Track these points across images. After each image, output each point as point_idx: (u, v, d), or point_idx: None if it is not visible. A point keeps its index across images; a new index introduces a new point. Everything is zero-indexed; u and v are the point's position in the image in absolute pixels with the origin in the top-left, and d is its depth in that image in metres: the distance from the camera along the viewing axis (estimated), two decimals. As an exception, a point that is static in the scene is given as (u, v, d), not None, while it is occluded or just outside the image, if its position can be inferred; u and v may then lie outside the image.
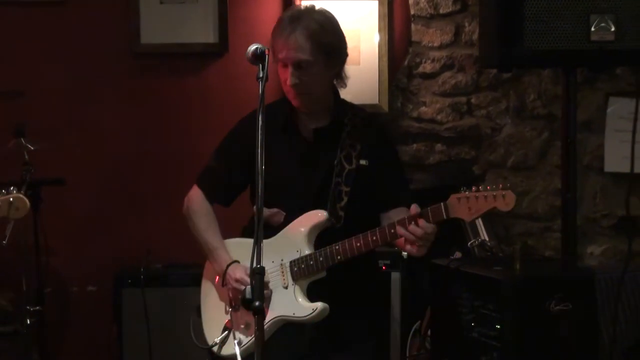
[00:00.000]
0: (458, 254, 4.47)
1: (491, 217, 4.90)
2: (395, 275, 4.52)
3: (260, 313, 2.67)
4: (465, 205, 3.10)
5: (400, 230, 3.19)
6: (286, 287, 3.31)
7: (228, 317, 3.39)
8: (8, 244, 3.15)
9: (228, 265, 3.39)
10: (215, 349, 3.37)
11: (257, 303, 2.65)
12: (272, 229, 3.40)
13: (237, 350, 3.19)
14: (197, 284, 3.78)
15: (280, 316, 3.31)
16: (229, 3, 4.95)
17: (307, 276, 3.30)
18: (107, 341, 4.73)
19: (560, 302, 3.38)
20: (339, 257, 3.25)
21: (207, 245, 3.49)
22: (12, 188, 3.06)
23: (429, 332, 4.23)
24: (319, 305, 3.25)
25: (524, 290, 3.75)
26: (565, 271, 3.74)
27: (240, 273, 3.34)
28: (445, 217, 3.15)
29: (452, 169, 5.09)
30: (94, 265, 4.90)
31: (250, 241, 3.31)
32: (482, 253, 4.47)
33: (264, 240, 3.29)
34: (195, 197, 3.55)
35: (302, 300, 3.28)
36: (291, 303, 3.29)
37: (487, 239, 4.58)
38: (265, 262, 3.25)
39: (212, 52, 4.97)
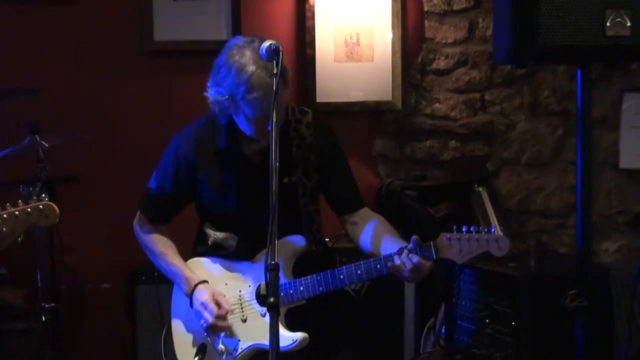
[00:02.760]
0: (472, 251, 4.46)
1: (505, 214, 4.89)
2: (409, 272, 4.50)
3: (275, 309, 2.66)
4: (457, 246, 3.03)
5: (391, 264, 3.09)
6: (264, 315, 3.23)
7: (202, 340, 3.32)
8: (23, 241, 3.15)
9: (195, 286, 3.33)
10: None
11: (271, 299, 2.65)
12: (227, 252, 3.37)
13: None
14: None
15: (257, 344, 3.23)
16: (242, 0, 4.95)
17: (285, 304, 3.20)
18: (121, 338, 4.74)
19: (575, 298, 3.36)
20: (320, 289, 3.16)
21: (170, 269, 3.43)
22: (43, 195, 3.04)
23: (443, 329, 4.22)
24: (299, 335, 3.16)
25: (539, 287, 3.74)
26: (580, 268, 3.73)
27: (205, 296, 3.27)
28: (434, 257, 3.07)
29: (466, 165, 5.07)
30: (108, 262, 4.91)
31: (211, 261, 3.36)
32: (496, 250, 4.45)
33: (241, 263, 3.34)
34: (143, 223, 3.52)
35: (281, 329, 3.15)
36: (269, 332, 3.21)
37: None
38: (242, 287, 3.28)
39: (225, 49, 4.97)
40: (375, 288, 4.50)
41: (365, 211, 3.40)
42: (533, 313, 3.72)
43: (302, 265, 3.27)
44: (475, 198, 4.80)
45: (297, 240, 3.24)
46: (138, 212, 3.56)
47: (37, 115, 4.52)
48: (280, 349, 3.09)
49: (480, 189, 4.81)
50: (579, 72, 3.23)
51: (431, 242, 3.06)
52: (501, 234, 3.00)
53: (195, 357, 3.30)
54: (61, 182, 4.42)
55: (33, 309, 4.47)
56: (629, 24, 3.08)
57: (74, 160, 4.72)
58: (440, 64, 5.06)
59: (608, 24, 3.07)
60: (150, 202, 3.49)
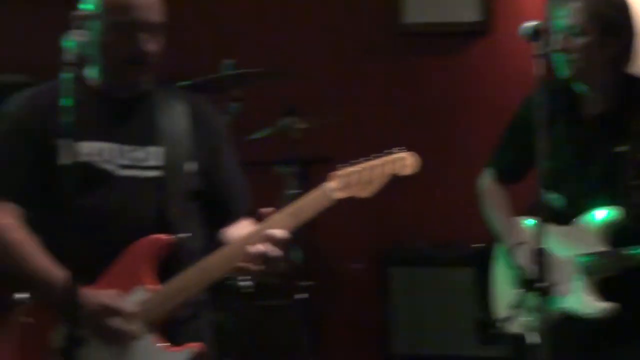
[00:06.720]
0: None
1: None
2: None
3: (547, 293, 2.59)
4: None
5: None
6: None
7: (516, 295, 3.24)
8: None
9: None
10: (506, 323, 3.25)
11: (543, 283, 2.58)
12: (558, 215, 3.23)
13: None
14: (464, 264, 3.70)
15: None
16: (495, -20, 4.86)
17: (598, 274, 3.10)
18: (374, 319, 4.77)
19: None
20: None
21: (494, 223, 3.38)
22: (399, 148, 3.08)
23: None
24: (605, 305, 3.06)
25: None
26: None
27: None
28: None
29: None
30: (361, 242, 4.96)
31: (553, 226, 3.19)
32: None
33: (559, 228, 3.21)
34: (485, 180, 3.44)
35: (589, 297, 3.10)
36: (578, 298, 3.12)
37: None
38: (560, 251, 3.17)
39: (476, 30, 4.90)
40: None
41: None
42: None
43: None
44: None
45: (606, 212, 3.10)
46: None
47: (292, 97, 4.62)
48: (584, 314, 3.10)
49: None
50: None
51: None
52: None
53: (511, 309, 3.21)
54: (316, 163, 4.47)
55: (288, 287, 4.56)
56: None
57: (326, 142, 4.78)
58: None
59: None
60: (495, 158, 3.41)
